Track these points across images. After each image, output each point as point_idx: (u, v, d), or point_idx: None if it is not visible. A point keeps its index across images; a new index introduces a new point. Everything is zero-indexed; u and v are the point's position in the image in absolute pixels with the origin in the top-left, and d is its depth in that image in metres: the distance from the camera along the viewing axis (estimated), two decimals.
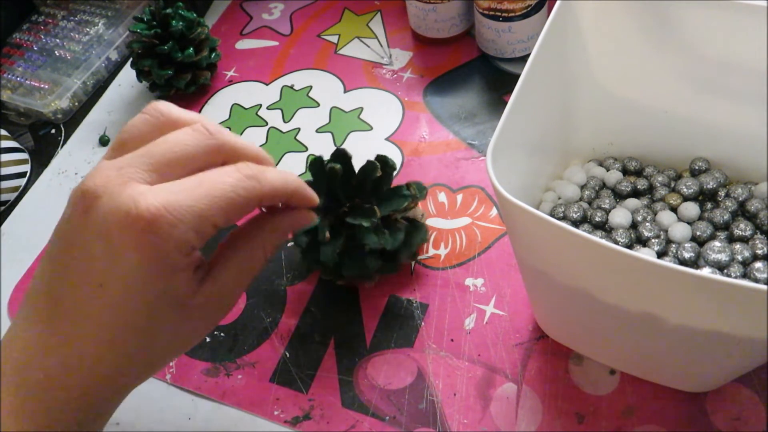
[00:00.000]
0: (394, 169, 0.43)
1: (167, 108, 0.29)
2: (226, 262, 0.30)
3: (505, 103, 0.54)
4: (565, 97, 0.40)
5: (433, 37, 0.59)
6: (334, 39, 0.64)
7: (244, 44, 0.65)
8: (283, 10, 0.68)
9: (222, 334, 0.45)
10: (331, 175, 0.40)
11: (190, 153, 0.28)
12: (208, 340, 0.45)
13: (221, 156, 0.29)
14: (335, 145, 0.55)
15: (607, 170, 0.42)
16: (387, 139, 0.54)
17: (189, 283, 0.28)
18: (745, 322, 0.27)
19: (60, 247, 0.27)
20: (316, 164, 0.42)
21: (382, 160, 0.42)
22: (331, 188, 0.41)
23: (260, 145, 0.56)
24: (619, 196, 0.41)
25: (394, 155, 0.53)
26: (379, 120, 0.56)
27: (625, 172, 0.43)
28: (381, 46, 0.62)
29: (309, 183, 0.34)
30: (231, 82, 0.62)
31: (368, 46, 0.62)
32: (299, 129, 0.57)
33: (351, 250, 0.41)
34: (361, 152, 0.54)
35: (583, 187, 0.42)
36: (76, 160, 0.59)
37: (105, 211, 0.26)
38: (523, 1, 0.51)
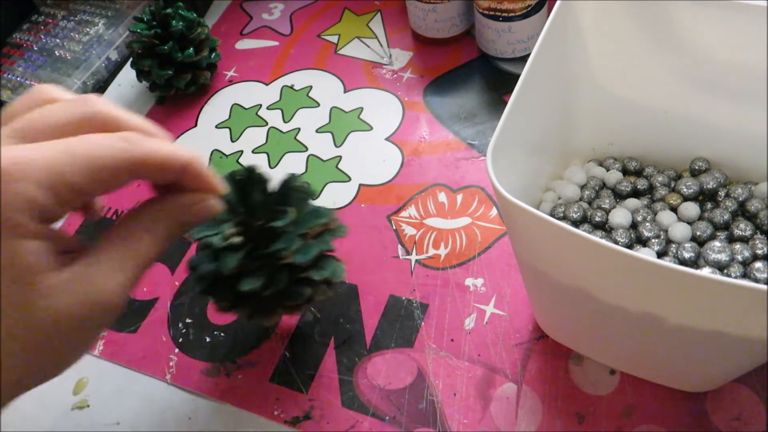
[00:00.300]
0: (312, 195, 0.39)
1: (48, 88, 0.27)
2: (103, 244, 0.26)
3: (505, 103, 0.54)
4: (565, 97, 0.40)
5: (433, 37, 0.59)
6: (334, 39, 0.64)
7: (244, 44, 0.65)
8: (283, 10, 0.68)
9: (222, 334, 0.45)
10: (241, 184, 0.36)
11: (62, 120, 0.25)
12: (208, 339, 0.45)
13: (98, 126, 0.26)
14: (335, 145, 0.55)
15: (607, 170, 0.42)
16: (387, 139, 0.54)
17: (40, 254, 0.24)
18: (745, 322, 0.27)
19: None
20: (229, 177, 0.36)
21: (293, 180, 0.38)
22: (245, 201, 0.36)
23: (260, 145, 0.56)
24: (619, 196, 0.41)
25: (394, 155, 0.53)
26: (379, 120, 0.56)
27: (625, 172, 0.43)
28: (381, 46, 0.62)
29: (227, 202, 0.31)
30: (231, 82, 0.62)
31: (368, 46, 0.62)
32: (299, 129, 0.57)
33: (255, 261, 0.36)
34: (361, 152, 0.54)
35: (583, 187, 0.42)
36: None
37: None
38: (523, 1, 0.51)
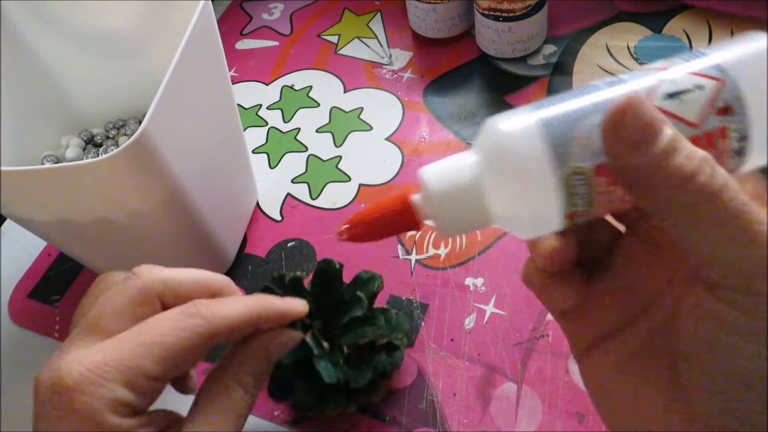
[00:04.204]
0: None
1: (108, 275, 0.28)
2: (197, 412, 0.27)
3: (506, 103, 0.54)
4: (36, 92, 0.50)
5: (433, 37, 0.59)
6: (334, 39, 0.64)
7: (244, 44, 0.65)
8: (283, 10, 0.68)
9: None
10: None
11: (119, 305, 0.26)
12: None
13: (153, 299, 0.27)
14: (335, 145, 0.55)
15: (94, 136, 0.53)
16: (387, 139, 0.54)
17: None
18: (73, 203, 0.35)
19: None
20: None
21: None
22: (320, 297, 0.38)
23: (260, 146, 0.56)
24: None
25: (394, 155, 0.53)
26: (379, 120, 0.56)
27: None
28: (381, 46, 0.62)
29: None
30: (231, 82, 0.62)
31: (368, 46, 0.62)
32: (299, 129, 0.57)
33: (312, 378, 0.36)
34: (361, 152, 0.54)
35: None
36: None
37: (38, 393, 0.24)
38: (523, 1, 0.51)
